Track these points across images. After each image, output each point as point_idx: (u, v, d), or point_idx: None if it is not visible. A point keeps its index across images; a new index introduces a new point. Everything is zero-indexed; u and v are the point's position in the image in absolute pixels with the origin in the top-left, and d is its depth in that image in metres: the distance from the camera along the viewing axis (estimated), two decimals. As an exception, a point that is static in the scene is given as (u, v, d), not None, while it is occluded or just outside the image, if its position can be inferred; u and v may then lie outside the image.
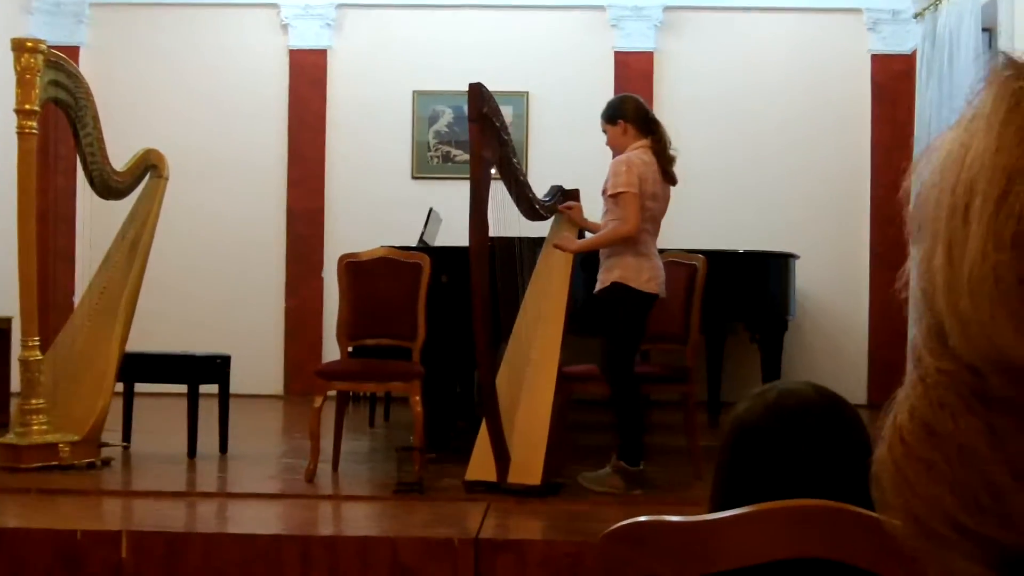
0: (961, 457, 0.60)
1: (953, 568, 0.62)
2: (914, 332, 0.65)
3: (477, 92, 5.32)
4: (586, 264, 5.94)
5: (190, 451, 6.29)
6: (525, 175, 5.97)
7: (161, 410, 7.75)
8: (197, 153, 9.81)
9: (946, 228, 0.62)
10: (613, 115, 5.58)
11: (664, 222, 5.81)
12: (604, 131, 5.63)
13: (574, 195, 6.18)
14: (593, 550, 4.19)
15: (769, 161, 9.78)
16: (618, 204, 5.38)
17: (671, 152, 5.55)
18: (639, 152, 5.46)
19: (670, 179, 5.56)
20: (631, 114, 5.55)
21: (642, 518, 1.36)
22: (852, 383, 9.50)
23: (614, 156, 5.58)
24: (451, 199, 8.68)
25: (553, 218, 6.13)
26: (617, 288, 5.40)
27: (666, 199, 5.59)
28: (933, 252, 0.62)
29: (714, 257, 6.33)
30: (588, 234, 5.93)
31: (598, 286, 5.52)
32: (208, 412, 6.38)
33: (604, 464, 5.50)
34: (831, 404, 1.60)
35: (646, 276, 5.40)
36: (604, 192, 5.51)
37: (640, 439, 5.47)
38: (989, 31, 8.41)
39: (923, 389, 0.62)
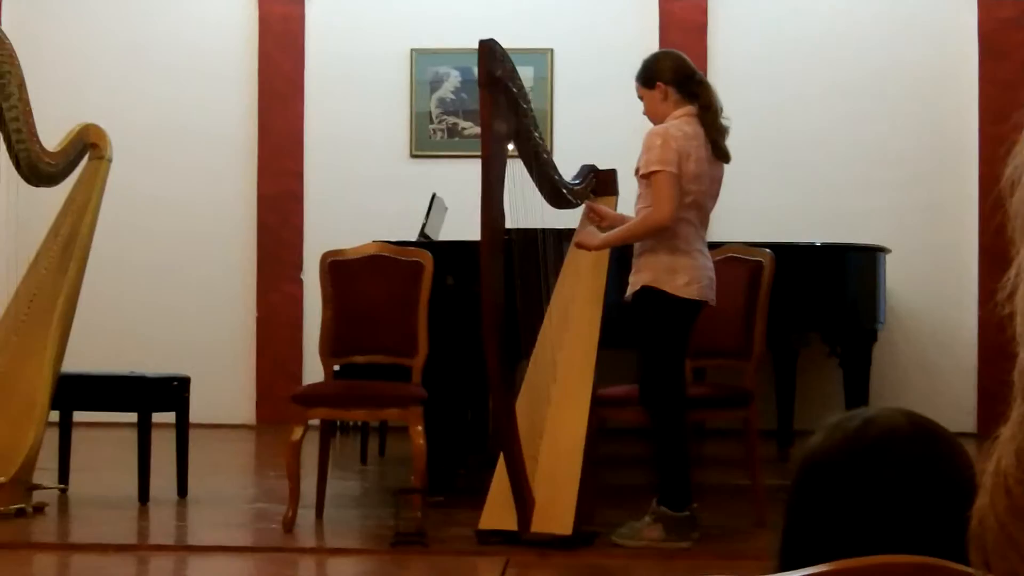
0: None
1: None
2: (1021, 356, 0.64)
3: (489, 51, 5.33)
4: (624, 261, 5.93)
5: (141, 495, 6.31)
6: (549, 152, 5.98)
7: (105, 444, 7.80)
8: (146, 129, 9.86)
9: None
10: (650, 76, 5.56)
11: (718, 210, 5.80)
12: (640, 97, 5.62)
13: (610, 177, 6.19)
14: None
15: (851, 133, 9.77)
16: (650, 186, 5.37)
17: (723, 121, 5.53)
18: (680, 122, 5.45)
19: (722, 155, 5.54)
20: (671, 74, 5.53)
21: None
22: (956, 408, 9.47)
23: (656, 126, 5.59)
24: (458, 182, 8.70)
25: (584, 206, 6.13)
26: (647, 294, 5.40)
27: (716, 180, 5.58)
28: None
29: (783, 252, 6.33)
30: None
31: (628, 291, 5.53)
32: (163, 446, 6.41)
33: (644, 509, 5.49)
34: (928, 436, 1.58)
35: (684, 279, 5.38)
36: (636, 172, 5.51)
37: (686, 478, 5.47)
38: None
39: None
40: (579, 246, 5.72)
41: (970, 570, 1.32)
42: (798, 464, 1.59)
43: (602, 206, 5.97)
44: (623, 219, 5.87)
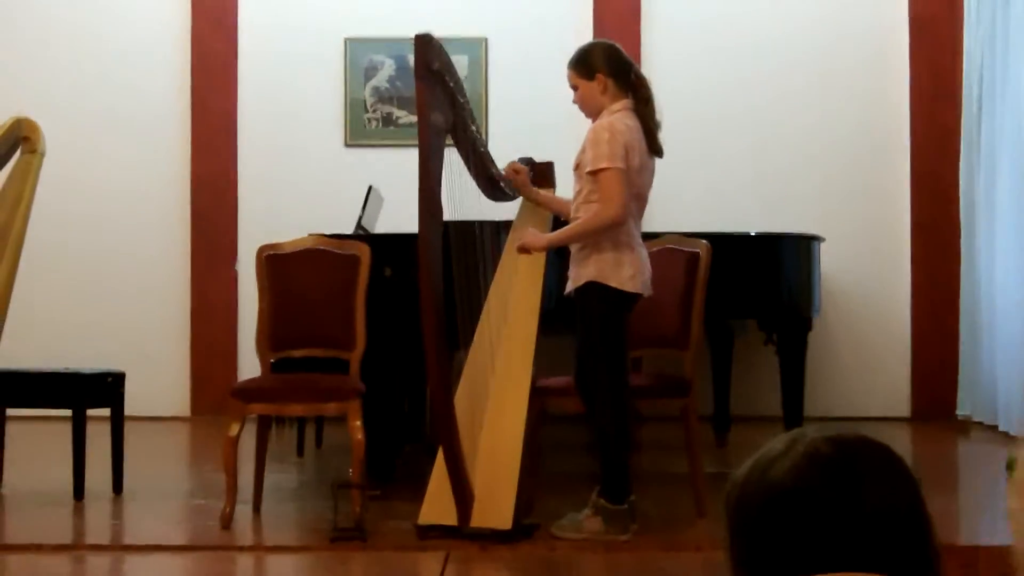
0: None
1: None
2: None
3: (426, 44, 5.29)
4: (563, 250, 5.92)
5: (76, 491, 6.25)
6: (485, 144, 5.96)
7: (40, 440, 7.72)
8: (75, 115, 9.76)
9: None
10: (589, 67, 5.50)
11: (658, 201, 5.81)
12: (573, 87, 5.56)
13: (547, 170, 6.18)
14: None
15: (784, 121, 9.80)
16: (599, 183, 5.35)
17: (657, 116, 5.52)
18: (623, 115, 5.43)
19: (657, 151, 5.53)
20: (611, 66, 5.50)
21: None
22: (891, 394, 9.56)
23: (589, 117, 5.56)
24: (394, 172, 8.68)
25: (521, 198, 6.13)
26: (592, 289, 5.39)
27: (652, 173, 5.58)
28: None
29: (719, 242, 6.34)
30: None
31: (569, 285, 5.50)
32: (98, 440, 6.35)
33: (584, 498, 5.49)
34: (849, 457, 1.61)
35: (629, 272, 5.38)
36: (577, 167, 5.49)
37: (626, 470, 5.46)
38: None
39: None
40: (523, 249, 5.63)
41: None
42: (726, 498, 1.62)
43: (522, 179, 5.94)
44: (545, 197, 5.90)
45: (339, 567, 5.11)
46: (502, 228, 6.13)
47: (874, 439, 1.61)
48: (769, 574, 1.44)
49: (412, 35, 5.33)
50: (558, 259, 5.98)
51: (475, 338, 5.89)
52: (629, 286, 5.38)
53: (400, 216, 7.14)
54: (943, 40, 9.71)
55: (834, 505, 1.50)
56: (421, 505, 5.46)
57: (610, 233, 5.35)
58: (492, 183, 5.85)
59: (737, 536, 1.58)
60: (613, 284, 5.36)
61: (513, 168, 5.92)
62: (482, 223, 6.03)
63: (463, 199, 5.59)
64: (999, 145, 8.91)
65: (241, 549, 5.42)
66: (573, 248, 5.52)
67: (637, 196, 5.46)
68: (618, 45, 5.69)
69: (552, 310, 6.00)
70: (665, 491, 6.45)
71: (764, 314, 7.57)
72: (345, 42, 9.86)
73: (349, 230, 7.33)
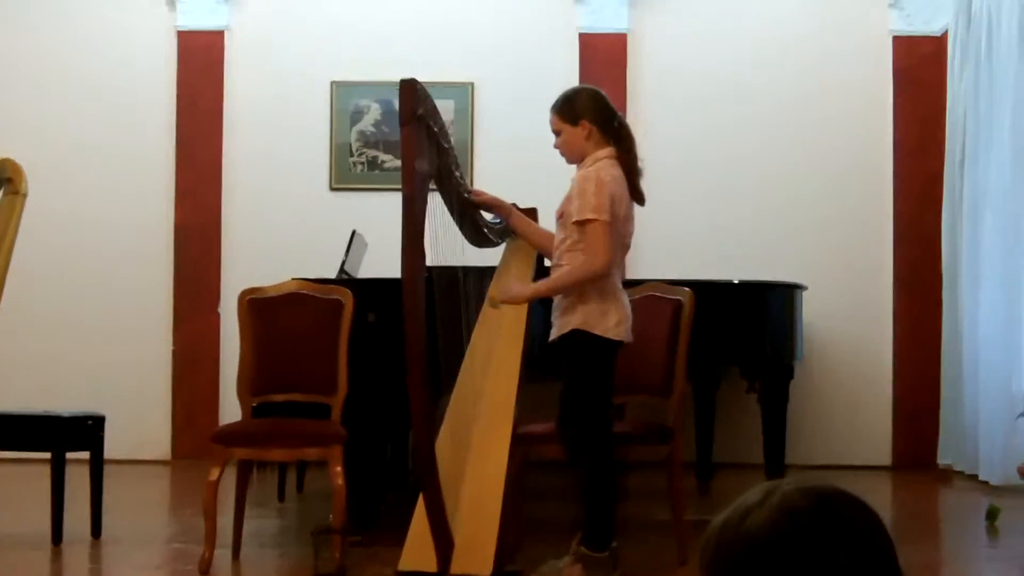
0: None
1: None
2: None
3: (411, 90, 5.27)
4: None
5: (55, 535, 6.21)
6: (470, 190, 5.96)
7: (17, 483, 7.68)
8: (60, 158, 9.76)
9: None
10: (575, 112, 5.49)
11: (641, 248, 5.81)
12: (556, 131, 5.54)
13: (530, 216, 6.18)
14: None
15: (768, 169, 9.84)
16: (585, 234, 5.34)
17: (639, 165, 5.52)
18: (607, 164, 5.42)
19: (639, 199, 5.53)
20: (596, 113, 5.49)
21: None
22: (873, 440, 9.56)
23: (570, 162, 5.56)
24: (379, 215, 8.68)
25: (504, 244, 6.13)
26: (578, 336, 5.38)
27: (633, 221, 5.57)
28: None
29: (702, 289, 6.34)
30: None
31: (554, 332, 5.49)
32: (77, 483, 6.31)
33: (566, 545, 5.47)
34: (826, 511, 1.62)
35: (614, 320, 5.37)
36: (561, 215, 5.48)
37: (609, 519, 5.44)
38: (1035, 9, 8.54)
39: None
40: (509, 301, 5.62)
41: None
42: (702, 548, 1.62)
43: (485, 192, 5.94)
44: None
45: (318, 614, 5.08)
46: (485, 274, 6.13)
47: (848, 491, 1.61)
48: None
49: (398, 79, 5.32)
50: (541, 305, 5.97)
51: (458, 383, 5.87)
52: (613, 334, 5.37)
53: (384, 261, 7.14)
54: (927, 91, 9.77)
55: (808, 557, 1.51)
56: (402, 551, 5.44)
57: (594, 282, 5.35)
58: (476, 230, 5.85)
59: None
60: (598, 332, 5.35)
61: (475, 193, 5.91)
62: (466, 269, 6.02)
63: (446, 245, 5.58)
64: (982, 195, 8.95)
65: (220, 595, 5.41)
66: (556, 297, 5.51)
67: (621, 245, 5.46)
68: (603, 92, 5.67)
69: (535, 356, 5.99)
70: (647, 538, 6.44)
71: (747, 362, 7.58)
72: (331, 85, 9.89)
73: (333, 274, 7.33)
